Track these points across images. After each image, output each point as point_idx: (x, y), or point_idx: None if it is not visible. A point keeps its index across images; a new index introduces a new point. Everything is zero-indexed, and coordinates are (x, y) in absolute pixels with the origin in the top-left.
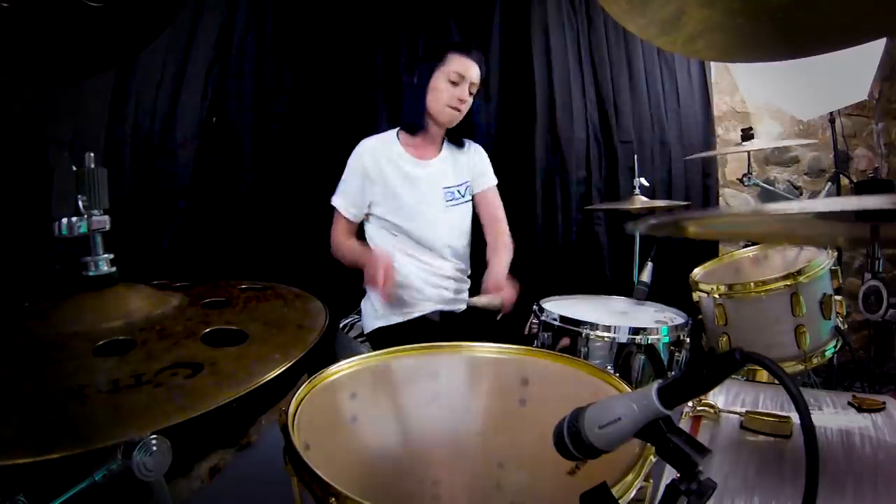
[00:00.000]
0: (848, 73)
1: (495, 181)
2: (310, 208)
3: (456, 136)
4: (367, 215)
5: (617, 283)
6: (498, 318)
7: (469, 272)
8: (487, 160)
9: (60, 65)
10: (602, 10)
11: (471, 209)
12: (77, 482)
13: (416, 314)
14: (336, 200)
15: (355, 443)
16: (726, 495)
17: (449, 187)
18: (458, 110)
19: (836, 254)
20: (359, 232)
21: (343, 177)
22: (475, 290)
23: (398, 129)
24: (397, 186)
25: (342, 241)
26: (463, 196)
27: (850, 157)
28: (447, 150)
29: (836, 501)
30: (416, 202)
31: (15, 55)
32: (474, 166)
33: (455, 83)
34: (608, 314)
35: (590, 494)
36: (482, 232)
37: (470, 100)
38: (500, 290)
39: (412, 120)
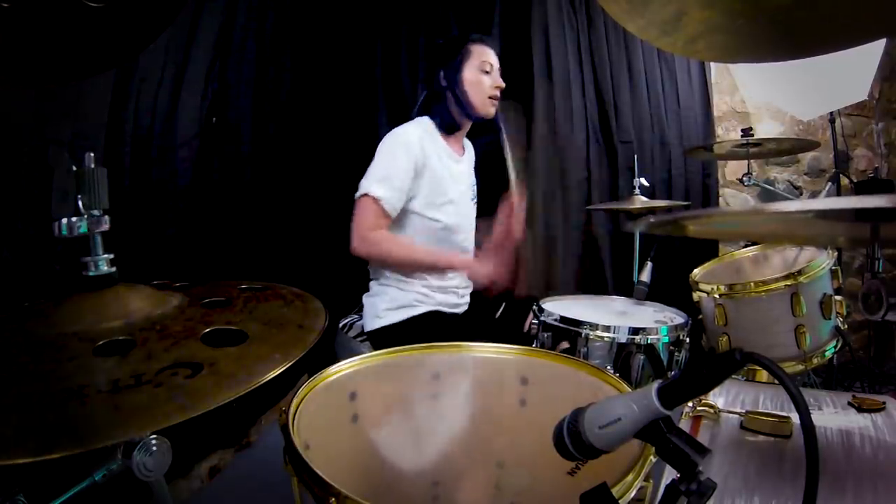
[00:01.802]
0: (848, 73)
1: None
2: (310, 208)
3: (470, 134)
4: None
5: (617, 283)
6: (497, 315)
7: None
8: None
9: (60, 65)
10: (602, 10)
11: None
12: (77, 482)
13: (417, 313)
14: (378, 191)
15: (355, 443)
16: (726, 495)
17: (472, 184)
18: (497, 99)
19: (836, 254)
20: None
21: (384, 166)
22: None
23: (430, 120)
24: (443, 181)
25: (385, 236)
26: (476, 194)
27: (850, 157)
28: (466, 147)
29: (836, 501)
30: (455, 198)
31: (15, 55)
32: (473, 163)
33: (488, 72)
34: (608, 314)
35: (590, 494)
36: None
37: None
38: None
39: (461, 119)
